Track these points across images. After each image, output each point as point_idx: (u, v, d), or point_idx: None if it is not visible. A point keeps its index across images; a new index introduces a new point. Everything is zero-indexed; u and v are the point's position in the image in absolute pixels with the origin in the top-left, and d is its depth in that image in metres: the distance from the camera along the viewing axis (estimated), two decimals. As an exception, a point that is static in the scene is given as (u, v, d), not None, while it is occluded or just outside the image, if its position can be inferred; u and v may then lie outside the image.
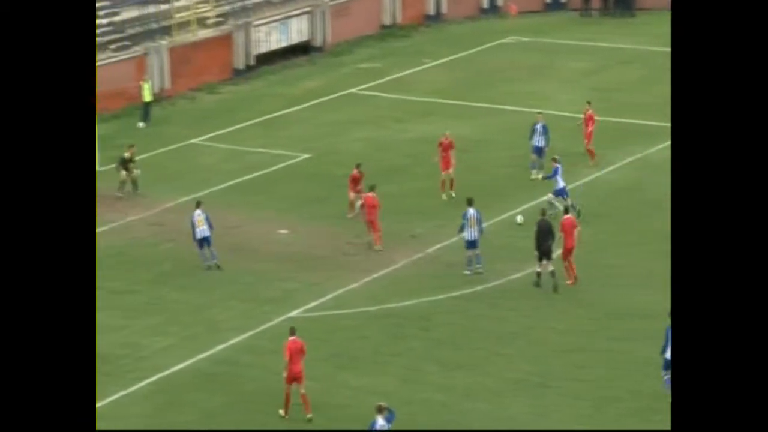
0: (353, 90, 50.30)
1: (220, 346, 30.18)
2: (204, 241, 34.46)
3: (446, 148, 39.12)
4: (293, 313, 31.85)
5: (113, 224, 37.60)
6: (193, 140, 45.01)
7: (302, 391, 26.97)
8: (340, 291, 33.08)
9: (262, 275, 34.01)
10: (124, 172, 39.42)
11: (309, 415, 26.99)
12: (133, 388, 28.38)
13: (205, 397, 27.99)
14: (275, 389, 27.67)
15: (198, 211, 34.71)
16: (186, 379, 28.82)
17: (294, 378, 26.88)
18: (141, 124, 46.65)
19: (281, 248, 35.85)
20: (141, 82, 47.16)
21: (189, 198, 39.17)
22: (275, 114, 47.74)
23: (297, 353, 26.95)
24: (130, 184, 39.57)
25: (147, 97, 46.88)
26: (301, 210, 38.43)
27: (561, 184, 36.80)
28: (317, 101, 49.04)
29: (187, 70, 50.38)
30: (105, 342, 30.46)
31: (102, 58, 48.25)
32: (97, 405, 27.60)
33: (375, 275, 33.93)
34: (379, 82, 51.10)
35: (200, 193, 39.53)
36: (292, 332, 27.33)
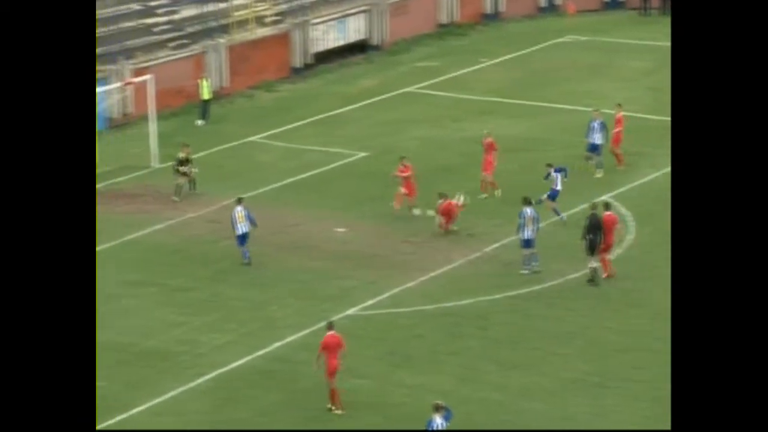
0: (410, 89, 50.32)
1: (278, 344, 30.30)
2: (243, 238, 34.58)
3: (486, 148, 39.11)
4: (350, 311, 31.93)
5: (171, 221, 37.87)
6: (251, 138, 45.23)
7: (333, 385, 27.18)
8: (397, 289, 33.11)
9: (319, 273, 34.12)
10: (182, 169, 39.48)
11: (330, 406, 27.15)
12: (191, 384, 28.57)
13: (262, 394, 28.12)
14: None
15: (239, 208, 34.85)
16: (243, 376, 28.98)
17: (332, 372, 27.04)
18: (199, 122, 46.92)
19: (338, 246, 35.94)
20: (199, 80, 47.44)
21: (247, 195, 39.32)
22: (332, 112, 47.86)
23: (335, 348, 27.09)
24: (188, 184, 39.71)
25: (206, 95, 47.15)
26: (358, 208, 38.51)
27: (558, 187, 36.52)
28: (374, 100, 49.11)
29: (245, 69, 50.61)
30: (164, 338, 30.74)
31: (161, 56, 48.63)
32: (156, 401, 27.92)
33: (432, 274, 33.94)
34: (436, 80, 51.09)
35: (258, 191, 39.79)
36: (330, 327, 27.46)
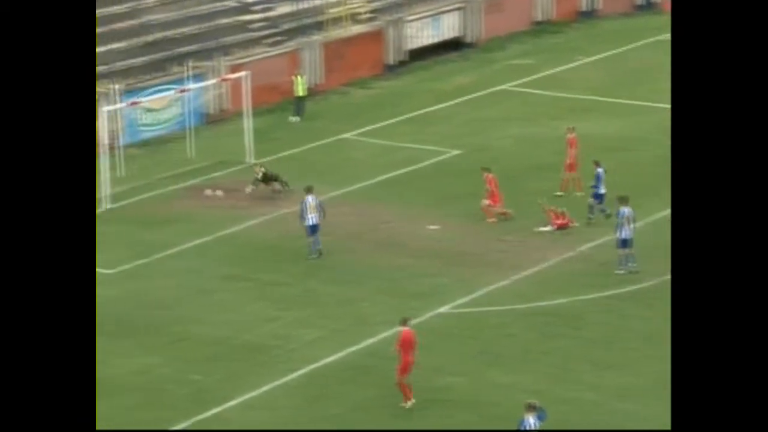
0: (505, 86, 50.08)
1: (370, 340, 30.30)
2: (313, 228, 34.59)
3: (569, 145, 38.91)
4: (442, 309, 31.86)
5: (266, 217, 38.06)
6: (345, 135, 45.31)
7: (406, 381, 27.16)
8: (489, 288, 32.97)
9: (410, 270, 34.07)
10: (275, 185, 39.35)
11: (408, 404, 27.09)
12: (284, 379, 28.68)
13: (355, 390, 28.14)
14: (423, 383, 27.73)
15: (309, 197, 34.85)
16: (335, 372, 29.03)
17: (408, 368, 27.04)
18: (293, 119, 47.10)
19: (430, 244, 35.87)
20: (293, 77, 47.62)
21: (340, 192, 39.51)
22: (426, 110, 47.78)
23: (411, 344, 27.12)
24: (280, 188, 39.48)
25: (300, 91, 47.31)
26: (451, 206, 38.39)
27: (601, 190, 36.19)
28: (468, 97, 48.94)
29: (339, 66, 50.71)
30: (258, 333, 30.92)
31: (256, 53, 48.91)
32: (250, 395, 28.07)
33: (525, 273, 33.74)
34: (531, 78, 50.79)
35: (351, 188, 39.90)
36: (405, 322, 27.42)
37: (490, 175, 37.31)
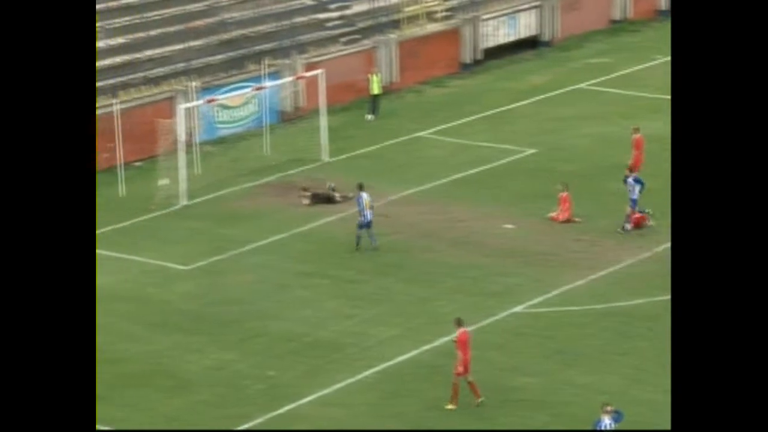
0: (581, 85, 49.82)
1: (444, 339, 30.28)
2: (369, 224, 34.93)
3: (635, 146, 38.71)
4: (517, 309, 31.78)
5: (342, 214, 38.13)
6: (420, 133, 45.30)
7: (470, 378, 27.21)
8: (565, 288, 32.83)
9: (485, 269, 34.02)
10: (337, 196, 39.22)
11: (481, 399, 27.18)
12: (359, 376, 28.77)
13: (429, 389, 28.14)
14: (497, 383, 27.74)
15: (364, 194, 35.04)
16: (410, 370, 29.05)
17: (468, 367, 27.12)
18: (368, 117, 47.19)
19: (506, 243, 35.78)
20: (369, 75, 47.71)
21: (415, 190, 39.54)
22: (502, 108, 47.64)
23: (468, 344, 27.26)
24: (342, 195, 39.44)
25: (376, 89, 47.38)
26: (526, 205, 38.27)
27: (634, 196, 35.97)
28: (544, 96, 48.74)
29: (414, 64, 50.72)
30: (334, 329, 31.05)
31: (332, 51, 49.06)
32: (325, 391, 28.17)
33: (601, 273, 33.57)
34: (608, 77, 50.47)
35: (426, 186, 39.90)
36: (460, 323, 27.49)
37: (565, 195, 36.95)
